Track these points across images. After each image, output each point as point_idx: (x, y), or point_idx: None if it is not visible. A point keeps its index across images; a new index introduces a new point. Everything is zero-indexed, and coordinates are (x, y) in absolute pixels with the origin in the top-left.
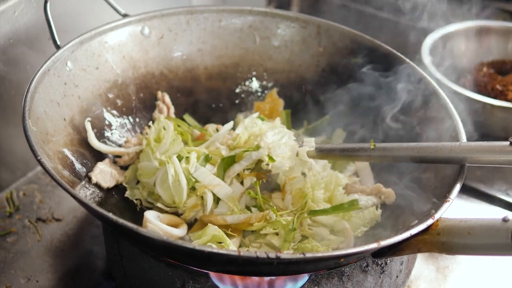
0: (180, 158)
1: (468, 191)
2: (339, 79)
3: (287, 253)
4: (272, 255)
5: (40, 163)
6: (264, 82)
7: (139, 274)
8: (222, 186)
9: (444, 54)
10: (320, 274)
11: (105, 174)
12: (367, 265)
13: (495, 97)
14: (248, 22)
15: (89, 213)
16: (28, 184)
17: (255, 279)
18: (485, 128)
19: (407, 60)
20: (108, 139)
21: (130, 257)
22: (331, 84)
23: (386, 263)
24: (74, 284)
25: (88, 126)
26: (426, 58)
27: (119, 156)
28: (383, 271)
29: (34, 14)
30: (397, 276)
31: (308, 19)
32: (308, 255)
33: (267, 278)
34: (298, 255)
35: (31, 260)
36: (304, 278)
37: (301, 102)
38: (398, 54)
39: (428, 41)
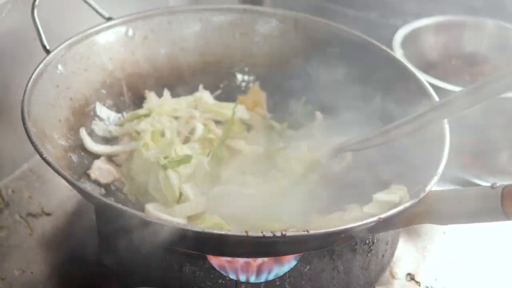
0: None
1: (445, 177)
2: (318, 69)
3: (292, 231)
4: (278, 233)
5: (45, 160)
6: (246, 77)
7: (136, 261)
8: None
9: (415, 48)
10: (312, 253)
11: (102, 170)
12: (356, 244)
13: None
14: (227, 19)
15: (79, 206)
16: (16, 181)
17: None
18: (456, 117)
19: (383, 46)
20: (101, 137)
21: (126, 245)
22: (311, 74)
23: (373, 243)
24: (68, 274)
25: (83, 133)
26: (398, 51)
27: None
28: (370, 250)
29: (20, 16)
30: (382, 256)
31: (285, 14)
32: (312, 232)
33: (259, 260)
34: (303, 233)
35: (24, 253)
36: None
37: (282, 94)
38: (374, 41)
39: (399, 35)
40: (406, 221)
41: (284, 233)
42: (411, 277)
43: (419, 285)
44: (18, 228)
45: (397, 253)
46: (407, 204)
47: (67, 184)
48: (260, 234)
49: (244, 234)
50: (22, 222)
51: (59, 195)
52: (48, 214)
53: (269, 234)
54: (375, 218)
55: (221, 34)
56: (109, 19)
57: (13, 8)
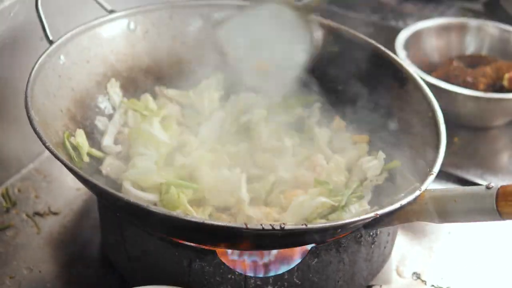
0: None
1: (446, 176)
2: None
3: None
4: (277, 226)
5: (48, 148)
6: None
7: (144, 257)
8: None
9: (417, 50)
10: (320, 246)
11: (114, 166)
12: (361, 236)
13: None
14: (230, 15)
15: (86, 206)
16: (22, 181)
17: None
18: (458, 117)
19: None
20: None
21: (133, 241)
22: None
23: (376, 234)
24: (77, 272)
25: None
26: (401, 52)
27: None
28: (374, 241)
29: (28, 15)
30: (384, 247)
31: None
32: (310, 225)
33: (266, 258)
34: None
35: (32, 252)
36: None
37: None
38: (376, 44)
39: (401, 37)
40: (403, 218)
41: (283, 226)
42: (417, 275)
43: (425, 284)
44: (25, 227)
45: (404, 252)
46: (403, 202)
47: (73, 183)
48: (259, 227)
49: (244, 226)
50: (29, 221)
51: (66, 195)
52: (55, 213)
53: (268, 226)
54: (372, 214)
55: (223, 29)
56: (111, 11)
57: (21, 8)
